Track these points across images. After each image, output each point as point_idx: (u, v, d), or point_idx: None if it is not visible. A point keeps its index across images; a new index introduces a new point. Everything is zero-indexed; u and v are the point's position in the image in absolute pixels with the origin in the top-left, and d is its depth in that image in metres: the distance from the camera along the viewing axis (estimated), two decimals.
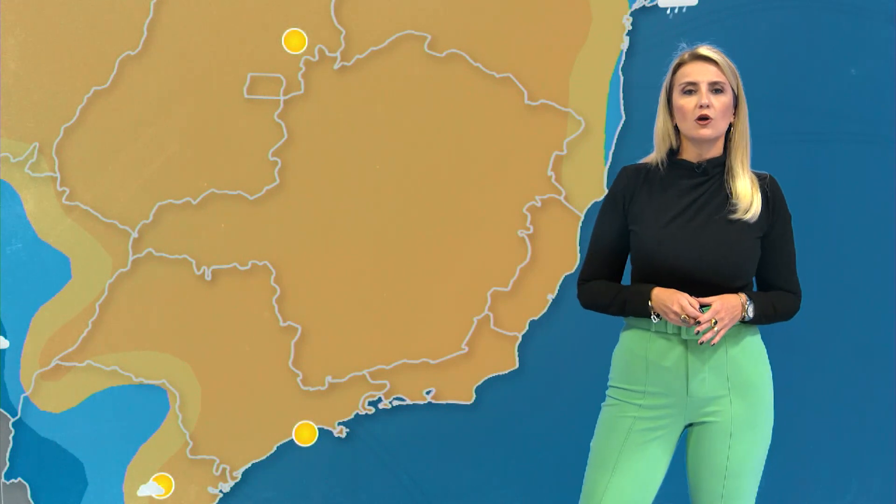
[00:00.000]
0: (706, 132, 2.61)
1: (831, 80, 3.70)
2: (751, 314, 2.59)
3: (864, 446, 3.80)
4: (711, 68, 2.60)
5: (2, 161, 3.64)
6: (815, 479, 3.78)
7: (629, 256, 2.72)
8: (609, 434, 2.68)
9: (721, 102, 2.60)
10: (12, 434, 3.70)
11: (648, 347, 2.66)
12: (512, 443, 3.79)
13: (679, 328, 2.59)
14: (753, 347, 2.65)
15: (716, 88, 2.60)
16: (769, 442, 2.68)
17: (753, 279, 2.69)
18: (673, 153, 2.69)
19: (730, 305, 2.57)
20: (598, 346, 3.77)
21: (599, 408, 3.75)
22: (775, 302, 2.65)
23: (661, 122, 2.69)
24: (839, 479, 3.81)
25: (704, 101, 2.59)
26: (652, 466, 2.64)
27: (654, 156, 2.71)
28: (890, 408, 3.79)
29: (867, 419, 3.80)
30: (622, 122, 3.71)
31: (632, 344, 2.70)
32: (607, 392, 2.74)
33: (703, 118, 2.60)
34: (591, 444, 2.72)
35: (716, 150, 2.64)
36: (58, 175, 3.66)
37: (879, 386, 3.79)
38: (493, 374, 3.77)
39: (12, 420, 3.70)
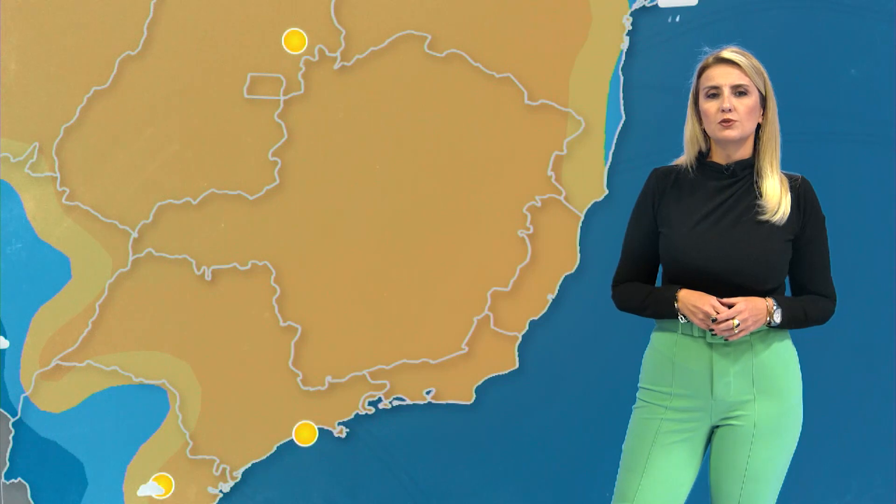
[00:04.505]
0: (730, 133, 2.60)
1: (831, 80, 3.70)
2: (778, 319, 2.57)
3: (864, 446, 3.80)
4: (734, 71, 2.59)
5: (2, 161, 3.64)
6: (815, 479, 3.79)
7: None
8: (638, 436, 2.68)
9: (745, 105, 2.59)
10: (12, 434, 3.70)
11: (675, 349, 2.65)
12: (512, 443, 3.79)
13: (704, 331, 2.59)
14: (782, 352, 2.63)
15: (739, 91, 2.59)
16: (793, 449, 2.65)
17: (786, 283, 2.68)
18: (702, 156, 2.69)
19: (755, 308, 2.55)
20: (598, 347, 3.78)
21: (599, 408, 3.77)
22: (807, 307, 2.63)
23: (689, 126, 2.69)
24: (839, 479, 3.81)
25: (726, 104, 2.58)
26: (681, 468, 2.64)
27: (684, 158, 2.71)
28: (890, 408, 3.79)
29: (867, 419, 3.80)
30: (622, 122, 3.71)
31: (659, 345, 2.70)
32: (637, 394, 2.73)
33: (726, 121, 2.59)
34: (623, 446, 2.73)
35: (744, 152, 2.63)
36: (58, 175, 3.66)
37: (879, 386, 3.79)
38: (493, 374, 3.77)
39: (12, 420, 3.70)
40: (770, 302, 2.57)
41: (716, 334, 2.57)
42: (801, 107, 3.67)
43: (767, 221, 2.58)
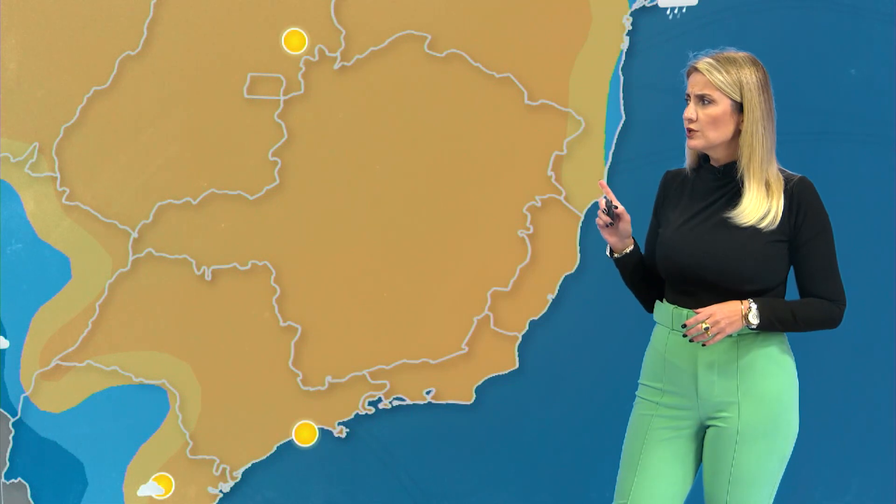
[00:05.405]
0: (691, 143, 2.63)
1: (831, 80, 3.70)
2: (754, 321, 2.55)
3: (864, 446, 3.80)
4: (700, 79, 2.60)
5: (2, 161, 3.64)
6: (815, 479, 3.79)
7: None
8: (633, 432, 2.71)
9: (706, 114, 2.59)
10: (12, 434, 3.70)
11: (666, 345, 2.66)
12: (512, 443, 3.79)
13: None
14: (771, 355, 2.60)
15: (703, 100, 2.59)
16: (786, 454, 2.62)
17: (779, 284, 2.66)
18: (705, 158, 2.70)
19: (728, 311, 2.54)
20: (598, 347, 3.78)
21: (599, 408, 3.77)
22: (798, 309, 2.58)
23: None
24: (839, 479, 3.81)
25: (687, 114, 2.61)
26: (673, 465, 2.64)
27: (687, 160, 2.73)
28: (890, 408, 3.79)
29: (867, 419, 3.80)
30: (622, 122, 3.71)
31: (655, 341, 2.72)
32: (636, 391, 2.74)
33: (689, 130, 2.62)
34: (623, 443, 2.74)
35: (734, 155, 2.63)
36: (58, 175, 3.66)
37: (879, 386, 3.79)
38: (493, 374, 3.77)
39: (12, 420, 3.70)
40: (746, 304, 2.56)
41: (692, 340, 2.57)
42: (801, 107, 3.67)
43: (750, 224, 2.57)
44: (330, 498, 3.79)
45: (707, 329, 2.53)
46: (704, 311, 2.55)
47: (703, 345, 2.57)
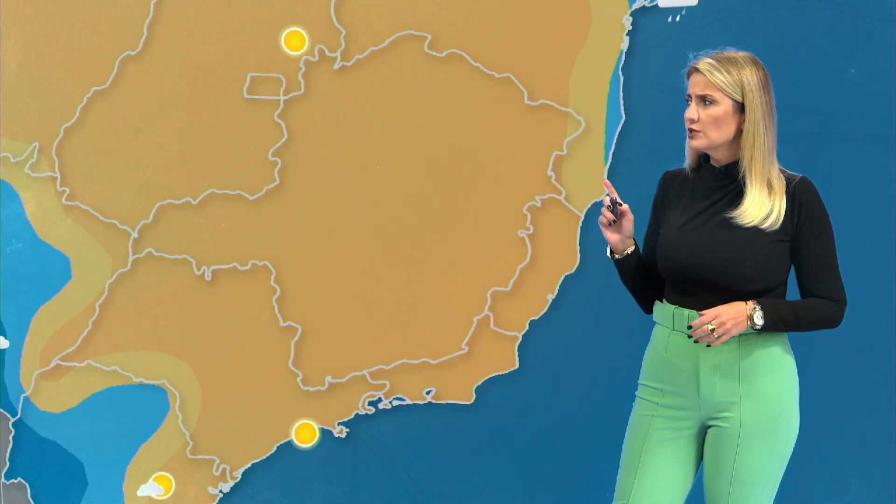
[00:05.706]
0: (693, 143, 2.63)
1: (831, 80, 3.70)
2: (759, 322, 2.55)
3: (864, 446, 3.80)
4: (700, 80, 2.60)
5: (2, 161, 3.64)
6: (815, 479, 3.79)
7: None
8: (633, 432, 2.70)
9: (708, 114, 2.59)
10: (12, 434, 3.70)
11: (667, 345, 2.66)
12: (512, 443, 3.79)
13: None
14: (772, 355, 2.60)
15: (705, 100, 2.59)
16: (786, 454, 2.63)
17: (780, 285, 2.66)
18: (706, 159, 2.70)
19: (734, 312, 2.54)
20: (598, 347, 3.78)
21: (599, 408, 3.77)
22: (800, 309, 2.59)
23: None
24: (839, 479, 3.81)
25: (689, 114, 2.61)
26: (674, 466, 2.64)
27: (687, 160, 2.73)
28: (890, 408, 3.79)
29: (867, 419, 3.80)
30: (622, 122, 3.71)
31: (655, 341, 2.71)
32: (636, 391, 2.74)
33: (690, 130, 2.62)
34: (623, 443, 2.74)
35: (735, 155, 2.63)
36: (58, 175, 3.66)
37: (879, 386, 3.79)
38: (493, 374, 3.77)
39: (12, 420, 3.70)
40: (751, 304, 2.56)
41: (697, 341, 2.57)
42: (801, 107, 3.67)
43: (752, 224, 2.57)
44: (330, 498, 3.79)
45: (713, 330, 2.53)
46: (710, 313, 2.55)
47: (708, 346, 2.57)
